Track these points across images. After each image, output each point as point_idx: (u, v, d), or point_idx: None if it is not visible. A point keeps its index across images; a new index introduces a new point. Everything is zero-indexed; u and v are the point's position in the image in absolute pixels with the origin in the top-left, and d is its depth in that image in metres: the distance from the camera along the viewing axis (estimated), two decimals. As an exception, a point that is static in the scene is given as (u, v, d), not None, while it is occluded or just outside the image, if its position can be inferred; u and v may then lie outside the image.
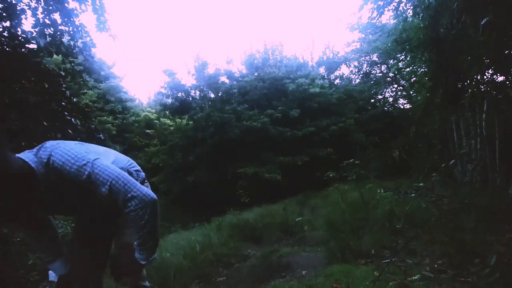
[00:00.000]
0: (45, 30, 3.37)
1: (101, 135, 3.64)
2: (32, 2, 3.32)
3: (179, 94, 13.95)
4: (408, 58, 9.33)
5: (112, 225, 1.40)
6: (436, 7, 5.48)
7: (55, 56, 3.47)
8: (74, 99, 3.19)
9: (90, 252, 1.38)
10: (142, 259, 1.24)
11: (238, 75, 14.19)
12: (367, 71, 14.94)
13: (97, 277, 1.41)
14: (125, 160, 1.48)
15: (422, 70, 8.34)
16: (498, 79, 5.37)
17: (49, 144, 1.17)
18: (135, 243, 1.23)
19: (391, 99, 14.88)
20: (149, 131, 17.04)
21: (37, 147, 1.17)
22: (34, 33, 3.28)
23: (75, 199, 1.25)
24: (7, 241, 2.45)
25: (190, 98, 13.84)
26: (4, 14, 2.89)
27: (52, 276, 1.44)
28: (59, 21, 3.54)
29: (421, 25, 6.32)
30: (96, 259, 1.41)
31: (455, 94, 5.89)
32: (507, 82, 4.95)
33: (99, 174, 1.14)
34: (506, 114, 4.41)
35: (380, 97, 14.83)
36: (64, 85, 3.10)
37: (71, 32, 3.70)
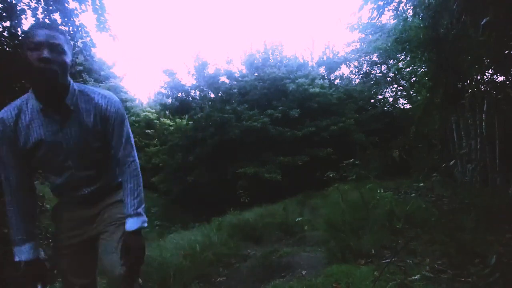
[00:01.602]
0: (45, 30, 3.37)
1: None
2: (32, 2, 3.32)
3: (179, 94, 13.95)
4: (408, 58, 9.32)
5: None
6: (436, 7, 5.48)
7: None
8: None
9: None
10: (142, 216, 1.29)
11: (238, 75, 14.19)
12: (367, 71, 14.94)
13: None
14: None
15: (422, 70, 8.33)
16: (498, 79, 5.38)
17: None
18: (128, 196, 1.28)
19: (391, 99, 14.89)
20: (149, 131, 17.05)
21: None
22: (34, 33, 3.28)
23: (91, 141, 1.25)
24: (7, 241, 2.45)
25: (190, 98, 13.84)
26: (4, 14, 2.89)
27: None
28: (59, 21, 3.54)
29: (421, 25, 6.32)
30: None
31: (455, 94, 5.89)
32: (507, 82, 4.95)
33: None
34: (506, 114, 4.41)
35: (380, 97, 14.84)
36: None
37: (71, 32, 3.70)
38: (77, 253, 1.34)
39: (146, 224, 1.30)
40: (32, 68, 1.06)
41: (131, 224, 1.25)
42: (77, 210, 1.34)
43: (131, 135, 1.36)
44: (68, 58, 1.14)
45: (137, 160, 1.35)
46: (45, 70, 1.06)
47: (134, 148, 1.36)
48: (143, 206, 1.30)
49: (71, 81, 1.21)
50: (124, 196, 1.29)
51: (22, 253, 1.19)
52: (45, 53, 1.06)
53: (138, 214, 1.27)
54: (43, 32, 1.08)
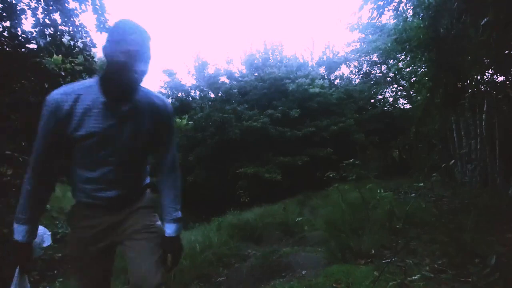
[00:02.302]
0: (45, 30, 3.36)
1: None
2: (32, 2, 3.32)
3: (179, 94, 13.97)
4: (408, 58, 9.32)
5: None
6: (436, 7, 5.48)
7: (55, 56, 3.47)
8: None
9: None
10: (182, 222, 1.33)
11: (238, 75, 14.20)
12: (367, 71, 14.95)
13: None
14: None
15: (422, 70, 8.34)
16: (498, 79, 5.38)
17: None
18: (170, 203, 1.31)
19: (391, 99, 14.91)
20: (149, 131, 17.00)
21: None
22: (34, 33, 3.28)
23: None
24: (7, 241, 2.45)
25: (190, 98, 13.85)
26: (4, 14, 2.89)
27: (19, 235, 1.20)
28: (59, 21, 3.54)
29: (421, 25, 6.33)
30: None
31: (455, 94, 5.89)
32: (507, 82, 4.95)
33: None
34: (506, 114, 4.42)
35: (380, 97, 14.85)
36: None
37: (71, 32, 3.70)
38: (94, 260, 1.26)
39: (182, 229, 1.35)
40: (116, 61, 1.06)
41: (174, 229, 1.29)
42: (100, 216, 1.25)
43: (176, 141, 1.36)
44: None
45: (179, 167, 1.37)
46: (131, 67, 1.06)
47: (177, 153, 1.36)
48: (181, 212, 1.34)
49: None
50: (167, 201, 1.31)
51: (17, 232, 1.16)
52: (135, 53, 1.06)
53: (179, 220, 1.31)
54: (135, 34, 1.08)
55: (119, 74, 1.07)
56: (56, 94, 1.13)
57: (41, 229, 1.23)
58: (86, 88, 1.14)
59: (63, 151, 1.19)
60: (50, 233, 1.31)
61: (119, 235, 1.26)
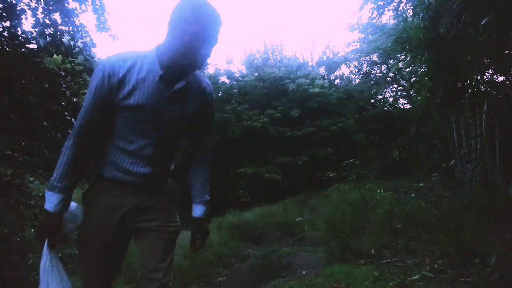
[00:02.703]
0: (45, 30, 3.36)
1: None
2: (32, 2, 3.32)
3: (179, 94, 13.91)
4: (408, 58, 9.33)
5: None
6: (436, 7, 5.48)
7: (55, 56, 3.47)
8: (74, 99, 3.18)
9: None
10: (209, 205, 1.36)
11: (238, 75, 14.20)
12: (367, 71, 14.95)
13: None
14: None
15: (422, 70, 8.34)
16: (498, 79, 5.38)
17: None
18: (202, 185, 1.34)
19: (391, 99, 14.90)
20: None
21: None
22: (34, 33, 3.28)
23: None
24: (7, 241, 2.45)
25: (190, 98, 13.82)
26: (4, 14, 2.89)
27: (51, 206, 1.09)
28: (59, 21, 3.54)
29: (421, 25, 6.32)
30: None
31: (455, 94, 5.90)
32: (507, 82, 4.96)
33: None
34: (506, 114, 4.42)
35: (380, 97, 14.84)
36: (64, 85, 3.09)
37: (71, 32, 3.69)
38: (109, 246, 1.18)
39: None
40: (182, 40, 1.03)
41: (203, 211, 1.33)
42: (128, 195, 1.18)
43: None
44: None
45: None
46: (197, 49, 1.04)
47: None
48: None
49: None
50: (198, 182, 1.34)
51: (49, 202, 1.08)
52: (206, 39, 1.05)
53: (208, 203, 1.35)
54: (209, 17, 1.04)
55: (182, 54, 1.05)
56: (112, 58, 1.09)
57: (73, 204, 1.15)
58: (143, 57, 1.10)
59: (109, 122, 1.14)
60: (82, 209, 1.19)
61: (139, 223, 1.20)
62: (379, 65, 14.41)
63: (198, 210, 1.33)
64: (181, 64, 1.08)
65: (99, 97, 1.08)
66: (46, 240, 1.08)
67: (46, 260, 1.07)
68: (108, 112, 1.11)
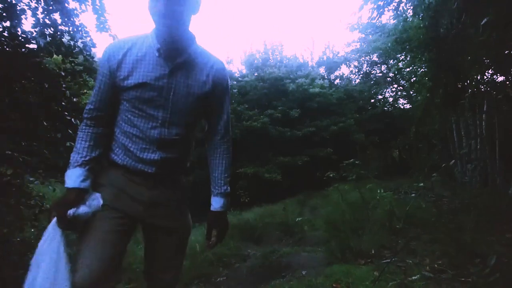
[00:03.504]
0: (45, 30, 3.36)
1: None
2: (32, 2, 3.32)
3: (179, 94, 13.93)
4: (408, 58, 9.33)
5: None
6: (436, 7, 5.48)
7: (55, 56, 3.47)
8: (74, 99, 3.18)
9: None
10: (229, 197, 1.31)
11: (238, 75, 14.21)
12: (367, 71, 14.96)
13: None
14: None
15: (422, 70, 8.34)
16: (498, 79, 5.38)
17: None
18: (220, 174, 1.29)
19: (391, 99, 14.92)
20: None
21: None
22: (34, 33, 3.28)
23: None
24: (7, 241, 2.45)
25: (190, 98, 13.83)
26: (4, 14, 2.88)
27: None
28: (59, 21, 3.54)
29: (421, 25, 6.33)
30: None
31: (455, 94, 5.89)
32: (507, 82, 4.95)
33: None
34: (506, 114, 4.41)
35: (380, 97, 14.85)
36: (64, 85, 3.09)
37: (71, 32, 3.69)
38: (106, 231, 1.05)
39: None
40: (158, 4, 1.00)
41: (221, 204, 1.26)
42: (136, 185, 1.11)
43: (230, 111, 1.30)
44: (193, 12, 1.08)
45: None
46: (172, 7, 0.99)
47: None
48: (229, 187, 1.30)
49: (195, 37, 1.13)
50: (216, 172, 1.29)
51: (68, 178, 1.05)
52: None
53: (227, 194, 1.29)
54: None
55: (162, 15, 1.01)
56: (114, 43, 1.13)
57: (96, 194, 1.09)
58: (142, 38, 1.10)
59: (118, 106, 1.13)
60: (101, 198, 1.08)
61: (148, 218, 1.14)
62: (379, 65, 14.42)
63: (215, 203, 1.26)
64: (166, 26, 1.02)
65: (102, 82, 1.10)
66: (54, 218, 1.00)
67: (47, 238, 0.97)
68: (115, 96, 1.11)
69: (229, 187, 1.29)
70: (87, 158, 1.08)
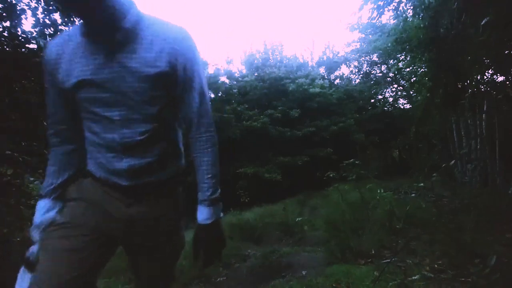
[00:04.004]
0: (45, 30, 3.37)
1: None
2: (32, 2, 3.32)
3: (179, 94, 13.94)
4: (408, 58, 9.33)
5: None
6: (436, 7, 5.48)
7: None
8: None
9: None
10: (220, 204, 0.98)
11: (238, 75, 14.22)
12: (367, 71, 14.98)
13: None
14: None
15: (422, 70, 8.34)
16: (498, 79, 5.38)
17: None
18: (202, 176, 0.96)
19: (391, 99, 14.94)
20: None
21: None
22: (34, 33, 3.28)
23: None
24: (7, 241, 2.45)
25: (190, 98, 13.84)
26: (4, 14, 2.89)
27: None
28: (59, 21, 3.54)
29: (421, 25, 6.32)
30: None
31: (455, 94, 5.89)
32: (507, 82, 4.95)
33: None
34: (506, 114, 4.41)
35: (380, 97, 14.87)
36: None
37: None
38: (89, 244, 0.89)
39: (221, 214, 0.99)
40: None
41: (206, 215, 0.94)
42: (114, 200, 0.93)
43: (207, 90, 1.00)
44: None
45: (214, 131, 0.98)
46: None
47: (210, 108, 0.99)
48: (219, 190, 0.97)
49: (133, 4, 0.88)
50: (198, 174, 0.97)
51: (36, 213, 0.94)
52: None
53: (216, 202, 0.95)
54: None
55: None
56: (49, 42, 0.96)
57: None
58: (75, 30, 0.90)
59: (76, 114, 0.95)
60: None
61: (125, 236, 0.96)
62: (379, 65, 14.43)
63: (199, 214, 0.95)
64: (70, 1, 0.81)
65: (48, 89, 0.94)
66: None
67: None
68: (71, 103, 0.93)
69: (217, 190, 0.96)
70: (52, 187, 0.96)
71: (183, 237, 1.07)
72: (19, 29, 3.08)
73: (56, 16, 3.57)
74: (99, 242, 0.91)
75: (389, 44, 9.49)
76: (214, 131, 0.98)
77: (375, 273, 2.19)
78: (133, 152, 0.90)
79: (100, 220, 0.92)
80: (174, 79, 0.91)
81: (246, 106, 12.44)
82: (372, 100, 14.76)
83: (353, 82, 15.22)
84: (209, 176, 0.96)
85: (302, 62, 14.95)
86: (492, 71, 5.38)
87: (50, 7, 3.45)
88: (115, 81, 0.86)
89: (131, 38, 0.86)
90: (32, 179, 2.85)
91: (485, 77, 5.53)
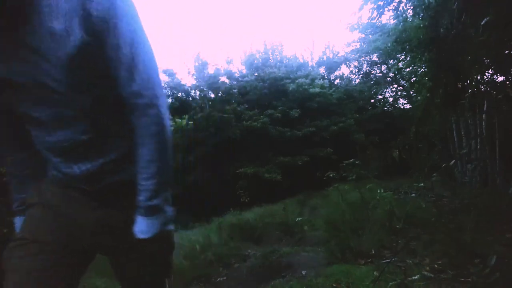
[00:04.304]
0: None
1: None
2: (32, 2, 3.33)
3: (179, 94, 13.97)
4: (408, 58, 9.33)
5: None
6: (436, 7, 5.48)
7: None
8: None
9: None
10: (160, 213, 0.76)
11: (238, 75, 14.21)
12: (367, 71, 14.98)
13: None
14: None
15: (422, 70, 8.34)
16: (498, 79, 5.38)
17: None
18: (147, 180, 0.74)
19: (391, 99, 14.95)
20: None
21: None
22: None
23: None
24: (7, 241, 2.45)
25: (190, 98, 13.85)
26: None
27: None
28: None
29: (421, 25, 6.32)
30: None
31: (455, 94, 5.89)
32: (507, 82, 4.95)
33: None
34: (506, 114, 4.41)
35: (380, 97, 14.88)
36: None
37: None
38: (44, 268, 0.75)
39: (171, 226, 0.80)
40: None
41: (143, 225, 0.75)
42: (74, 202, 0.80)
43: (149, 55, 0.74)
44: None
45: (162, 106, 0.74)
46: None
47: (156, 82, 0.74)
48: (166, 193, 0.77)
49: None
50: (137, 169, 0.75)
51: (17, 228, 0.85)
52: None
53: (155, 210, 0.75)
54: None
55: None
56: None
57: None
58: None
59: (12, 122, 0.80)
60: None
61: (94, 243, 0.82)
62: (379, 65, 14.44)
63: (136, 225, 0.75)
64: None
65: None
66: None
67: None
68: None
69: (157, 195, 0.74)
70: (16, 204, 0.88)
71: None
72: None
73: None
74: (67, 260, 0.78)
75: (389, 44, 9.49)
76: (157, 113, 0.73)
77: (375, 273, 2.19)
78: (81, 155, 0.75)
79: (64, 232, 0.79)
80: (100, 51, 0.69)
81: (246, 106, 12.44)
82: (372, 100, 14.77)
83: (353, 82, 15.23)
84: (145, 176, 0.73)
85: (302, 62, 14.95)
86: (492, 71, 5.38)
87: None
88: (19, 72, 0.67)
89: (29, 13, 0.63)
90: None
91: (485, 77, 5.54)
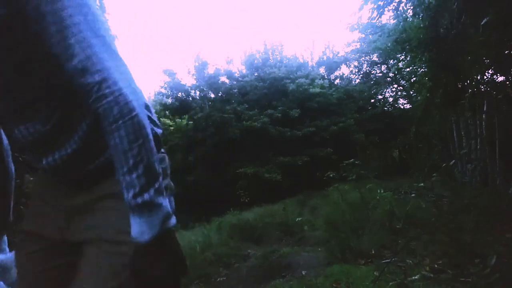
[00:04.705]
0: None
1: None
2: (32, 2, 3.33)
3: (179, 94, 13.96)
4: (408, 58, 9.34)
5: None
6: (436, 7, 5.49)
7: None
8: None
9: None
10: (153, 212, 0.61)
11: (238, 75, 14.20)
12: (367, 71, 14.98)
13: None
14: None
15: (422, 70, 8.35)
16: (498, 79, 5.39)
17: None
18: (126, 176, 0.61)
19: (391, 99, 14.95)
20: (149, 131, 17.01)
21: None
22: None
23: None
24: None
25: (190, 98, 13.85)
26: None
27: None
28: (59, 21, 3.55)
29: (421, 25, 6.33)
30: None
31: (455, 94, 5.90)
32: (507, 82, 4.96)
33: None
34: (506, 114, 4.41)
35: (380, 97, 14.88)
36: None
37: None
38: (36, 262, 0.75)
39: (172, 222, 0.64)
40: None
41: (138, 226, 0.61)
42: (56, 190, 0.76)
43: (98, 27, 0.63)
44: None
45: (122, 90, 0.61)
46: None
47: (104, 58, 0.61)
48: (156, 182, 0.62)
49: None
50: (115, 166, 0.62)
51: None
52: None
53: (144, 207, 0.60)
54: None
55: None
56: None
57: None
58: None
59: None
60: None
61: (74, 233, 0.73)
62: (379, 65, 14.44)
63: (131, 227, 0.62)
64: None
65: None
66: None
67: None
68: None
69: (144, 190, 0.60)
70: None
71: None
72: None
73: (56, 16, 3.56)
74: (63, 252, 0.74)
75: (389, 44, 9.51)
76: (114, 91, 0.60)
77: (375, 273, 2.19)
78: (43, 147, 0.69)
79: (47, 222, 0.75)
80: (41, 31, 0.59)
81: (246, 106, 12.43)
82: (372, 100, 14.76)
83: (353, 82, 15.22)
84: (125, 169, 0.60)
85: (302, 62, 14.93)
86: (492, 71, 5.39)
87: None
88: None
89: None
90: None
91: (485, 77, 5.54)
